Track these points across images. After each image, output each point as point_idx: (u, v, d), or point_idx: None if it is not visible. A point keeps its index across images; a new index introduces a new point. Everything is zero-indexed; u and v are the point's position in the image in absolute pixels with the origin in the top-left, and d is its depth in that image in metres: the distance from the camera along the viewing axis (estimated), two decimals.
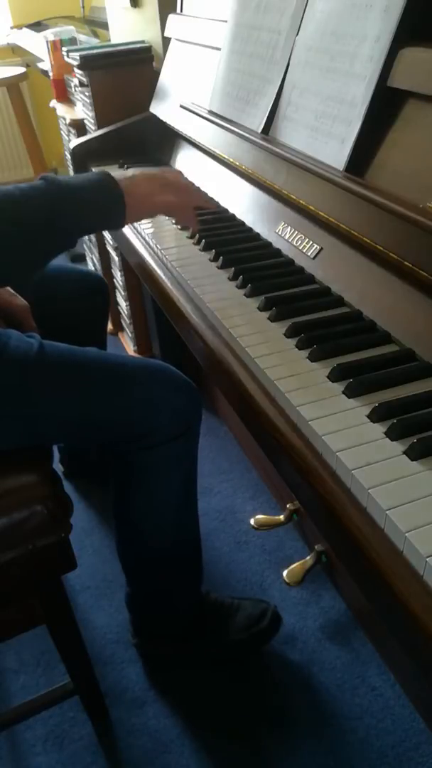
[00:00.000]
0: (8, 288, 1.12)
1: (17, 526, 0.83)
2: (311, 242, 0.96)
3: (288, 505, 1.31)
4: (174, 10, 1.58)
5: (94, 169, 1.58)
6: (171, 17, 1.56)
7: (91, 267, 2.33)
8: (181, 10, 1.56)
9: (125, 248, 1.30)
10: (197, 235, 1.11)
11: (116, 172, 0.90)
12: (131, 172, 0.93)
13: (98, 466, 1.58)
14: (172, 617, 1.15)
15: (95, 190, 0.87)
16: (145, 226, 1.20)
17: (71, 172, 1.76)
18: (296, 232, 1.00)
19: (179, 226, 1.18)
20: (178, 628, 1.16)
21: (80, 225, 0.89)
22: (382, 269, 0.82)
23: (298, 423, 0.70)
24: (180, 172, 0.99)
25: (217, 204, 1.11)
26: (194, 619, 1.17)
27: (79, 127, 1.92)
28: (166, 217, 1.23)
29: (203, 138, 1.32)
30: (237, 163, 1.18)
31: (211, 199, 1.02)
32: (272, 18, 1.12)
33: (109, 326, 2.18)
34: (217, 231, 1.13)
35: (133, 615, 1.18)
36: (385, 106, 0.86)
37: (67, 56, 1.76)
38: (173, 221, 1.16)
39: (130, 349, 2.12)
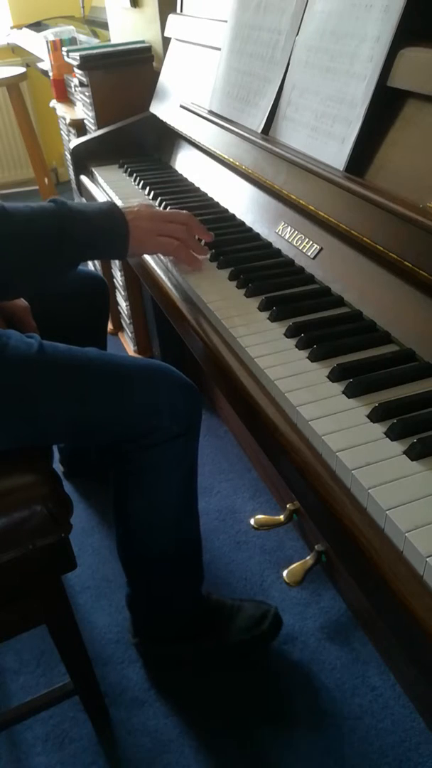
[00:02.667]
0: None
1: (17, 525, 0.83)
2: (311, 242, 0.96)
3: (288, 505, 1.31)
4: (174, 10, 1.58)
5: (94, 170, 1.58)
6: (171, 17, 1.56)
7: (91, 267, 2.33)
8: (181, 10, 1.56)
9: None
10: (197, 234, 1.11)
11: (120, 204, 0.93)
12: (136, 206, 0.96)
13: (98, 466, 1.59)
14: (172, 617, 1.15)
15: (102, 218, 0.91)
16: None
17: (71, 172, 1.76)
18: (296, 232, 1.00)
19: None
20: (178, 628, 1.16)
21: (85, 250, 0.92)
22: (382, 269, 0.82)
23: (298, 423, 0.70)
24: (186, 214, 1.00)
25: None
26: (195, 619, 1.17)
27: (79, 127, 1.93)
28: None
29: (203, 138, 1.32)
30: (237, 163, 1.18)
31: (211, 234, 1.04)
32: (272, 18, 1.12)
33: (109, 326, 2.18)
34: (217, 231, 1.13)
35: (134, 615, 1.19)
36: (385, 106, 0.86)
37: (67, 56, 1.76)
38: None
39: (130, 349, 2.12)
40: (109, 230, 0.92)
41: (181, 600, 1.14)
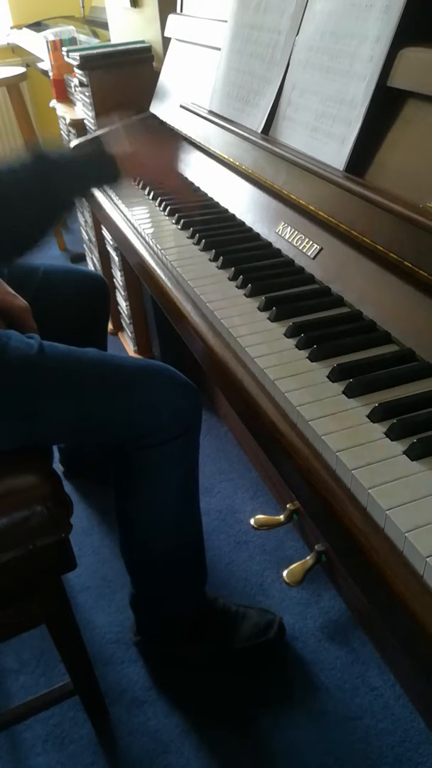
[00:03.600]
0: (9, 288, 1.12)
1: (17, 526, 0.83)
2: (311, 242, 0.96)
3: (288, 505, 1.31)
4: (174, 10, 1.58)
5: None
6: (171, 17, 1.56)
7: (91, 267, 2.33)
8: (181, 10, 1.56)
9: (125, 248, 1.30)
10: (197, 235, 1.11)
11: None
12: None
13: (98, 466, 1.59)
14: (175, 617, 1.15)
15: (82, 150, 0.94)
16: (145, 226, 1.20)
17: None
18: (296, 232, 1.00)
19: (179, 226, 1.18)
20: (181, 628, 1.16)
21: (78, 181, 0.93)
22: (382, 269, 0.82)
23: (298, 423, 0.70)
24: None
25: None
26: (198, 621, 1.17)
27: (79, 127, 1.92)
28: (167, 217, 1.23)
29: (203, 138, 1.32)
30: (237, 163, 1.18)
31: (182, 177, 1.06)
32: (272, 18, 1.12)
33: (109, 326, 2.18)
34: (217, 231, 1.13)
35: (137, 615, 1.18)
36: (385, 106, 0.86)
37: (67, 56, 1.76)
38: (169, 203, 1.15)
39: (130, 349, 2.12)
40: (94, 156, 0.94)
41: (185, 599, 1.14)
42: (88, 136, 0.94)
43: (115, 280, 2.00)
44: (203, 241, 1.09)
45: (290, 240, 1.01)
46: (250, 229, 1.12)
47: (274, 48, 1.11)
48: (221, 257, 1.02)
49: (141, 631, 1.20)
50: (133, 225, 1.23)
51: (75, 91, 1.94)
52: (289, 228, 1.02)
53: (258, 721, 1.10)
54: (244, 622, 1.18)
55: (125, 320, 2.07)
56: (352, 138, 0.90)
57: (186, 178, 1.28)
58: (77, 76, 1.75)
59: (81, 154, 0.94)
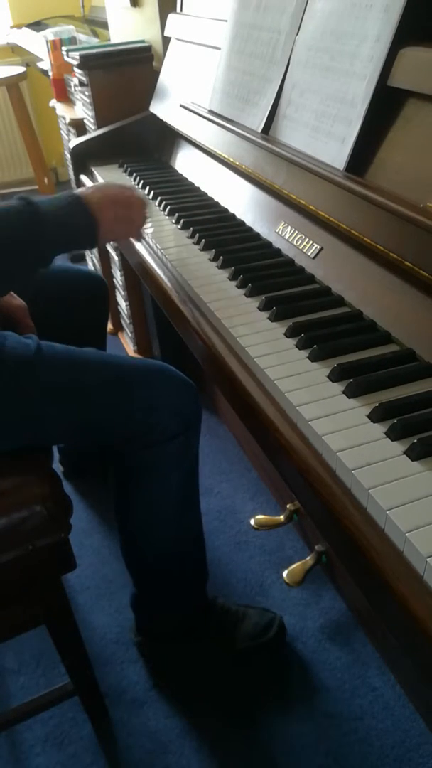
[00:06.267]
0: None
1: (17, 526, 0.83)
2: (311, 242, 0.96)
3: (288, 505, 1.31)
4: (174, 10, 1.58)
5: (94, 169, 1.58)
6: (171, 17, 1.56)
7: (91, 267, 2.33)
8: (181, 10, 1.56)
9: (125, 248, 1.30)
10: (197, 234, 1.11)
11: (81, 190, 0.92)
12: (95, 192, 0.93)
13: (98, 466, 1.58)
14: (176, 616, 1.15)
15: (70, 215, 0.89)
16: (145, 226, 1.20)
17: (71, 172, 1.76)
18: (296, 232, 1.00)
19: (179, 226, 1.18)
20: (182, 627, 1.16)
21: (55, 248, 0.90)
22: (382, 269, 0.82)
23: (298, 423, 0.70)
24: (140, 197, 1.00)
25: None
26: (199, 620, 1.16)
27: (78, 126, 1.92)
28: (167, 216, 1.23)
29: (203, 137, 1.32)
30: (237, 163, 1.18)
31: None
32: (272, 17, 1.12)
33: (109, 326, 2.18)
34: (217, 231, 1.13)
35: (138, 615, 1.18)
36: (385, 105, 0.86)
37: (67, 56, 1.76)
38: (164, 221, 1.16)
39: (130, 349, 2.12)
40: (77, 227, 0.91)
41: (185, 599, 1.14)
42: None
43: (115, 280, 2.00)
44: (203, 240, 1.09)
45: (290, 240, 1.01)
46: (250, 229, 1.12)
47: (275, 47, 1.11)
48: (221, 257, 1.02)
49: (141, 630, 1.19)
50: None
51: (75, 90, 1.94)
52: (289, 228, 1.02)
53: (258, 721, 1.10)
54: (244, 621, 1.18)
55: (125, 320, 2.07)
56: (353, 137, 0.90)
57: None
58: (77, 76, 1.75)
59: (67, 211, 0.90)
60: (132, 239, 1.05)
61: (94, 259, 2.19)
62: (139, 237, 1.05)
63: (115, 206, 0.94)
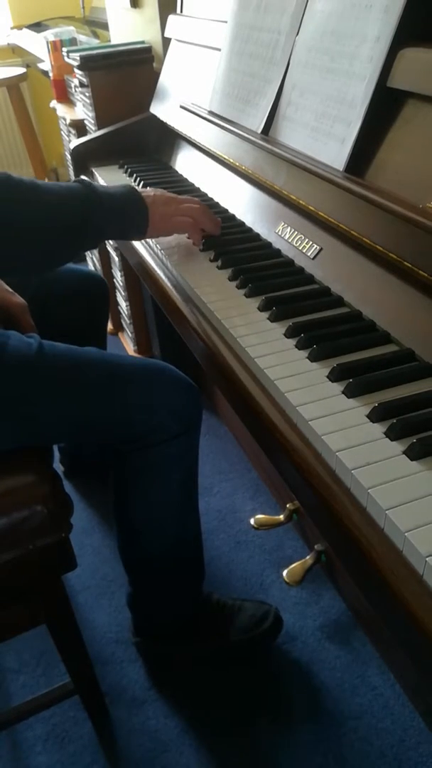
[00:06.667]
0: (6, 287, 1.12)
1: (17, 526, 0.83)
2: (311, 242, 0.97)
3: (288, 505, 1.31)
4: (174, 11, 1.58)
5: (94, 170, 1.58)
6: (171, 18, 1.56)
7: (91, 267, 2.33)
8: (181, 11, 1.56)
9: (125, 248, 1.30)
10: None
11: (139, 189, 1.00)
12: (152, 191, 1.02)
13: (98, 466, 1.59)
14: (173, 616, 1.16)
15: (125, 201, 0.97)
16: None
17: (71, 173, 1.76)
18: (296, 233, 1.00)
19: None
20: (179, 627, 1.16)
21: (107, 232, 0.99)
22: (382, 269, 0.82)
23: (298, 423, 0.70)
24: (196, 201, 1.07)
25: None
26: (196, 618, 1.17)
27: (79, 127, 1.93)
28: None
29: (203, 138, 1.32)
30: (237, 164, 1.18)
31: (218, 220, 1.09)
32: (272, 18, 1.12)
33: (109, 326, 2.18)
34: None
35: (135, 614, 1.19)
36: (385, 106, 0.86)
37: (67, 57, 1.76)
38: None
39: (130, 349, 2.12)
40: (131, 213, 0.98)
41: (182, 599, 1.14)
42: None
43: (115, 280, 2.00)
44: (203, 241, 1.09)
45: (290, 240, 1.01)
46: (250, 230, 1.12)
47: (274, 48, 1.11)
48: (221, 257, 1.02)
49: (138, 630, 1.20)
50: None
51: (75, 91, 1.94)
52: (289, 228, 1.02)
53: (258, 720, 1.10)
54: (240, 614, 1.18)
55: (125, 320, 2.07)
56: (352, 138, 0.90)
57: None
58: (77, 77, 1.76)
59: (122, 199, 0.97)
60: (192, 240, 1.07)
61: (94, 259, 2.19)
62: (199, 241, 1.06)
63: (167, 205, 1.01)
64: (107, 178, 1.51)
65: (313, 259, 0.95)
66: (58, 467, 1.62)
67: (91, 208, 0.92)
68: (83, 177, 0.95)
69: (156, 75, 1.64)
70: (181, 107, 1.41)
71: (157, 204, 1.00)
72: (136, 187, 1.01)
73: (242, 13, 1.21)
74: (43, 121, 3.62)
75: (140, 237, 1.03)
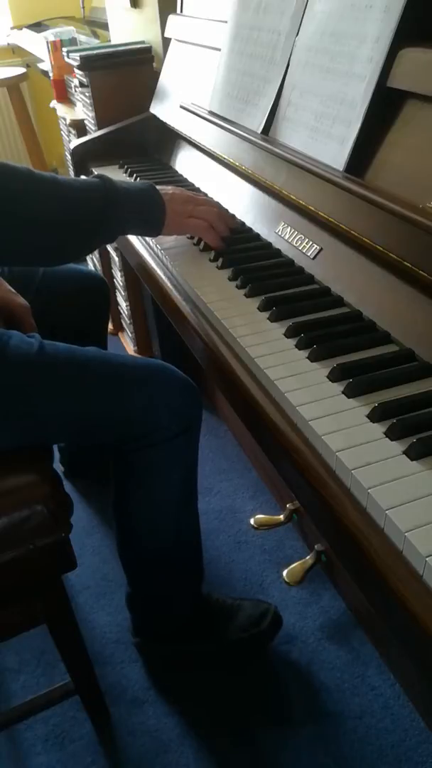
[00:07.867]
0: (9, 287, 1.12)
1: (17, 525, 0.83)
2: (311, 242, 0.97)
3: (288, 505, 1.31)
4: (174, 11, 1.58)
5: (94, 170, 1.58)
6: (171, 18, 1.56)
7: (91, 267, 2.33)
8: (181, 11, 1.56)
9: (125, 248, 1.30)
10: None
11: (157, 186, 1.00)
12: (171, 188, 1.03)
13: (98, 466, 1.59)
14: (172, 616, 1.16)
15: (143, 198, 0.98)
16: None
17: (71, 173, 1.76)
18: (296, 233, 1.00)
19: None
20: (178, 627, 1.16)
21: (124, 227, 1.01)
22: (382, 269, 0.82)
23: (298, 423, 0.70)
24: (214, 203, 1.08)
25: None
26: (195, 618, 1.17)
27: (79, 127, 1.93)
28: None
29: (203, 138, 1.33)
30: (237, 164, 1.18)
31: (238, 221, 1.11)
32: (272, 18, 1.12)
33: (110, 326, 2.18)
34: None
35: (134, 614, 1.19)
36: (385, 106, 0.86)
37: (68, 57, 1.76)
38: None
39: (130, 349, 2.12)
40: (147, 211, 0.99)
41: (181, 599, 1.14)
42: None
43: (115, 280, 2.00)
44: (203, 241, 1.09)
45: (290, 240, 1.01)
46: (250, 230, 1.12)
47: (274, 48, 1.11)
48: (221, 257, 1.02)
49: (138, 630, 1.20)
50: None
51: (75, 91, 1.94)
52: (289, 228, 1.03)
53: (258, 720, 1.10)
54: (239, 613, 1.18)
55: (125, 320, 2.07)
56: (352, 138, 0.90)
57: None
58: (77, 77, 1.76)
59: (140, 194, 0.98)
60: (210, 243, 1.06)
61: (94, 259, 2.19)
62: (218, 244, 1.06)
63: (184, 204, 1.02)
64: None
65: (313, 259, 0.95)
66: (58, 467, 1.62)
67: (110, 207, 0.93)
68: (102, 173, 0.96)
69: (156, 75, 1.64)
70: (181, 107, 1.41)
71: (173, 202, 1.00)
72: (155, 186, 1.01)
73: (242, 13, 1.21)
74: (43, 121, 3.61)
75: (155, 234, 1.03)
